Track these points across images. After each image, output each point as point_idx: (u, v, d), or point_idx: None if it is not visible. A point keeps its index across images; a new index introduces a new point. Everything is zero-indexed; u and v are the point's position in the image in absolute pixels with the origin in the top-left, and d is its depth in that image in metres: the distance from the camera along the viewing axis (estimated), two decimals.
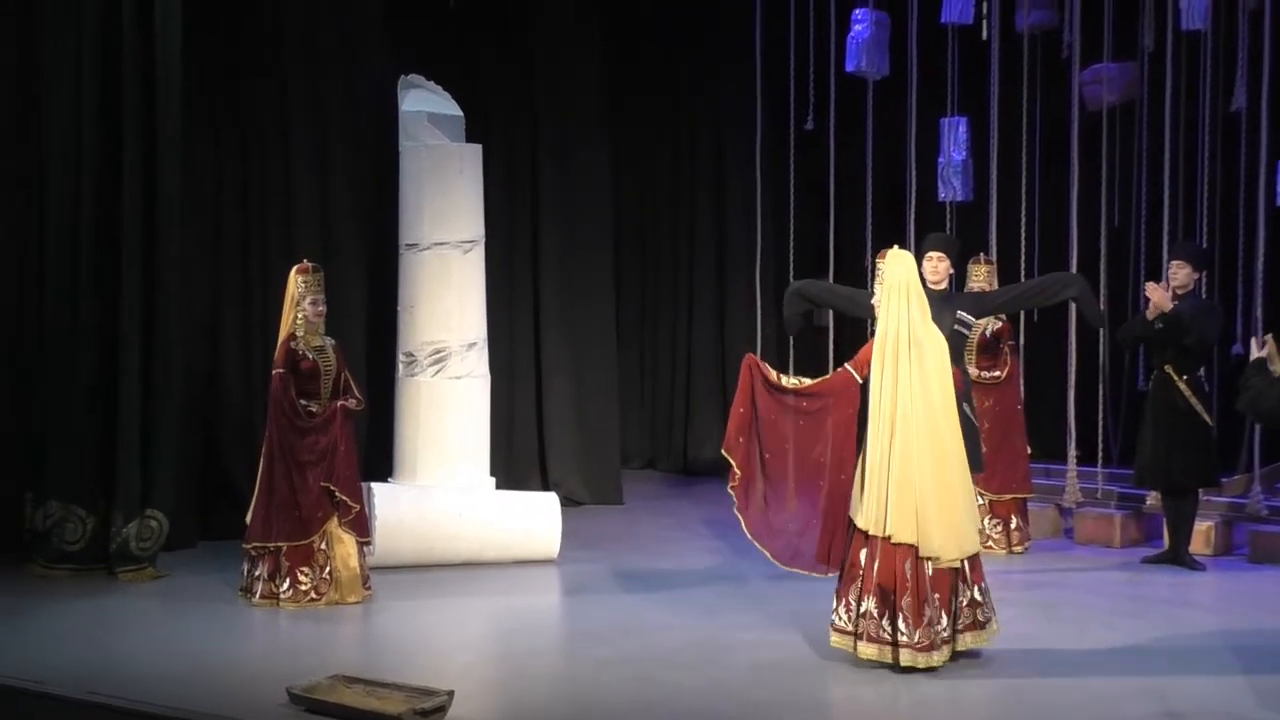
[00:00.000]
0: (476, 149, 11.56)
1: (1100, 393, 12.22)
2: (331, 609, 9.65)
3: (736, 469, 8.50)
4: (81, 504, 10.47)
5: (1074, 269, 11.70)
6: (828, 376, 8.72)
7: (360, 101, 12.14)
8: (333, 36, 12.03)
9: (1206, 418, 10.55)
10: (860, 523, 7.93)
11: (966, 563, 7.98)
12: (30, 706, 8.10)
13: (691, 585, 10.35)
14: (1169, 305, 10.47)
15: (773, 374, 8.56)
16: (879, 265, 9.69)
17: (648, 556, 11.26)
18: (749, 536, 8.49)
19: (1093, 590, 10.23)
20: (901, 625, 7.75)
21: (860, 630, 7.90)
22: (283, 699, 7.58)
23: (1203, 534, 10.98)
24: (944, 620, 7.86)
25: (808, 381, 8.54)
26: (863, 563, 7.92)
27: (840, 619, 8.04)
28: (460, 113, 11.84)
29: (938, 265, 9.95)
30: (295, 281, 9.94)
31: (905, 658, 7.73)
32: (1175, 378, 10.56)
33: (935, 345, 8.08)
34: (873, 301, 9.01)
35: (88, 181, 10.47)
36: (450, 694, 7.44)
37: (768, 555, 8.46)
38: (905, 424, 7.86)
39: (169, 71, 10.48)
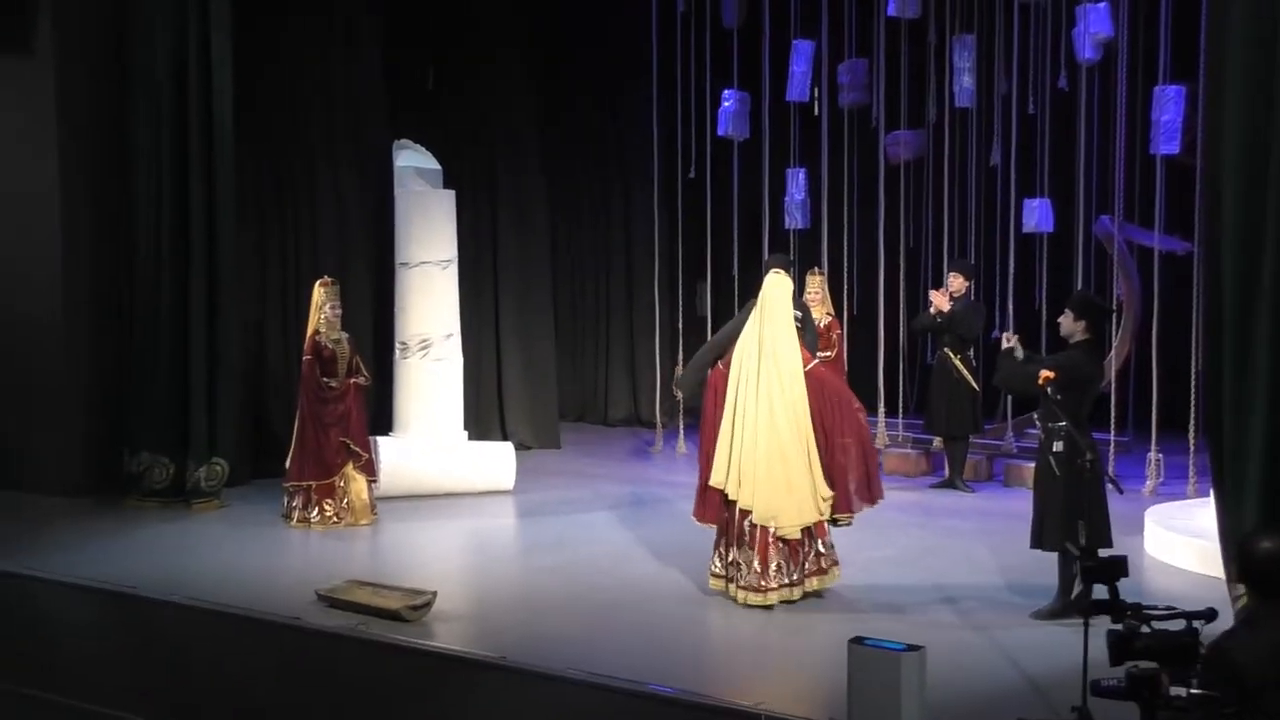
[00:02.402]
0: (450, 194, 11.53)
1: (900, 366, 12.42)
2: (348, 530, 9.71)
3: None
4: (165, 453, 10.44)
5: (881, 278, 11.90)
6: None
7: (366, 158, 12.00)
8: (346, 108, 11.90)
9: (974, 385, 10.76)
10: (713, 480, 7.54)
11: (813, 526, 7.52)
12: (126, 607, 8.12)
13: (609, 509, 10.43)
14: (946, 306, 10.70)
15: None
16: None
17: (578, 488, 11.28)
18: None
19: (895, 508, 10.25)
20: (744, 569, 7.43)
21: (730, 575, 7.54)
22: (311, 598, 7.67)
23: (972, 466, 11.20)
24: (787, 568, 7.43)
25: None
26: (724, 520, 7.59)
27: (715, 566, 7.65)
28: (439, 167, 11.81)
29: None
30: (318, 292, 9.97)
31: (742, 596, 7.44)
32: (952, 356, 10.75)
33: (789, 358, 7.55)
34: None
35: (164, 227, 10.43)
36: (434, 594, 7.50)
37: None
38: (750, 415, 7.46)
39: (224, 134, 10.41)
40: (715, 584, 7.66)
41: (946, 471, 11.09)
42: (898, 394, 12.42)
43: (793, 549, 7.45)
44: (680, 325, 12.96)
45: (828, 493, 7.51)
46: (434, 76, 12.87)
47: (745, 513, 7.43)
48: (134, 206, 10.52)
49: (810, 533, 7.53)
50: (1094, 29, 10.59)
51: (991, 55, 11.81)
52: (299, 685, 7.37)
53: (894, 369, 12.34)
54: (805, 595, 7.54)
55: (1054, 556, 7.35)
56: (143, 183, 10.47)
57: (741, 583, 7.45)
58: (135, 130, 10.48)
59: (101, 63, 10.52)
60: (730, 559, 7.53)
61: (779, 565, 7.41)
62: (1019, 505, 8.74)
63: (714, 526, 7.70)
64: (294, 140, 11.69)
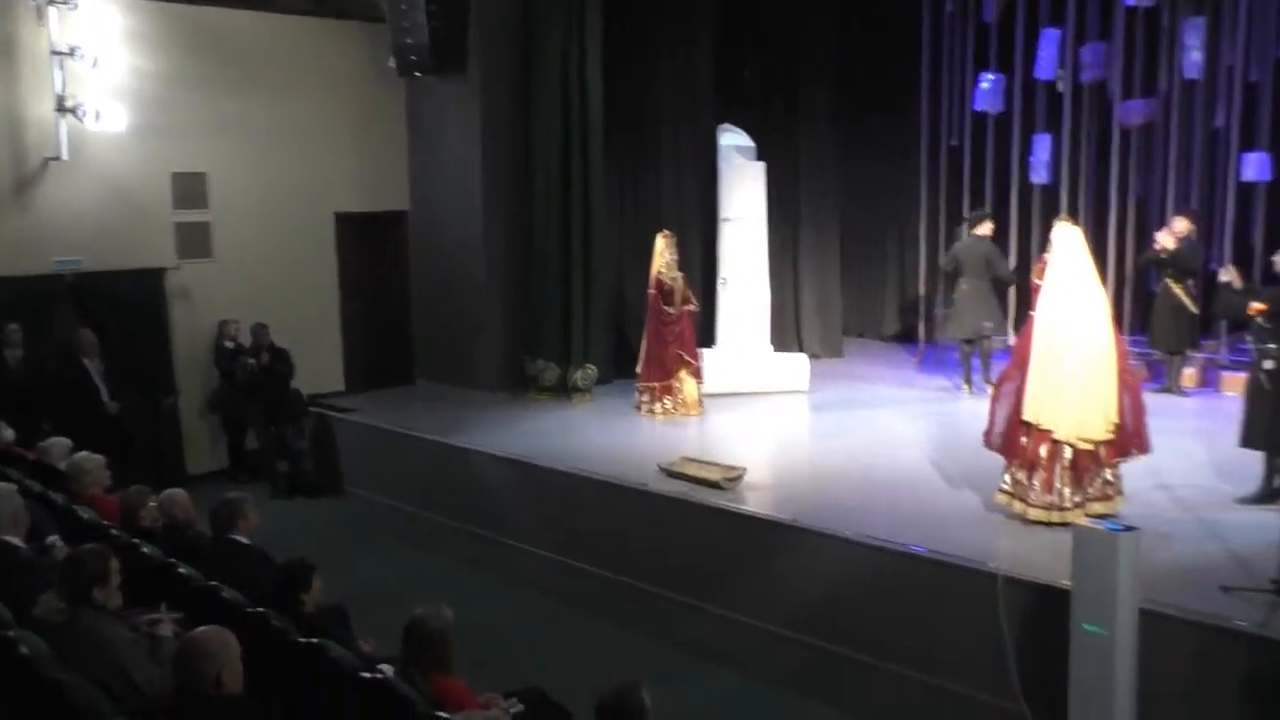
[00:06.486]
0: (761, 165, 11.28)
1: (1127, 295, 11.35)
2: (682, 418, 9.81)
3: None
4: (554, 360, 10.81)
5: (1112, 222, 10.93)
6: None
7: (697, 139, 11.86)
8: (683, 101, 11.81)
9: (1194, 309, 9.83)
10: (1026, 415, 6.31)
11: (1103, 450, 6.30)
12: (530, 472, 8.52)
13: (882, 405, 10.14)
14: (1171, 245, 9.78)
15: None
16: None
17: (857, 389, 10.98)
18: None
19: None
20: (1034, 489, 6.36)
21: (1017, 493, 6.47)
22: (655, 469, 7.83)
23: (1190, 375, 10.26)
24: (1073, 490, 6.30)
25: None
26: (1023, 444, 6.40)
27: (1005, 484, 6.55)
28: (753, 144, 11.55)
29: (987, 225, 9.60)
30: (660, 241, 10.04)
31: (1032, 514, 6.37)
32: (1173, 285, 9.87)
33: (1092, 294, 6.28)
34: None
35: (554, 194, 10.69)
36: (745, 469, 7.53)
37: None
38: (1057, 345, 6.21)
39: (595, 125, 10.60)
40: (1001, 499, 6.58)
41: (1167, 379, 10.16)
42: (1123, 316, 11.38)
43: (1078, 474, 6.29)
44: (942, 261, 12.37)
45: (1116, 418, 6.27)
46: (749, 73, 12.62)
47: (1042, 437, 6.27)
48: (532, 179, 10.86)
49: (1098, 460, 6.32)
50: None
51: (1218, 32, 10.52)
52: (645, 533, 7.58)
53: (1121, 296, 11.24)
54: (1089, 517, 6.15)
55: (1259, 454, 6.65)
56: (539, 162, 10.77)
57: (1031, 500, 6.39)
58: (533, 122, 10.79)
59: (511, 76, 10.84)
60: (1018, 479, 6.46)
61: (1065, 488, 6.30)
62: (1228, 408, 8.06)
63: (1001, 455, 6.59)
64: (645, 128, 11.71)
